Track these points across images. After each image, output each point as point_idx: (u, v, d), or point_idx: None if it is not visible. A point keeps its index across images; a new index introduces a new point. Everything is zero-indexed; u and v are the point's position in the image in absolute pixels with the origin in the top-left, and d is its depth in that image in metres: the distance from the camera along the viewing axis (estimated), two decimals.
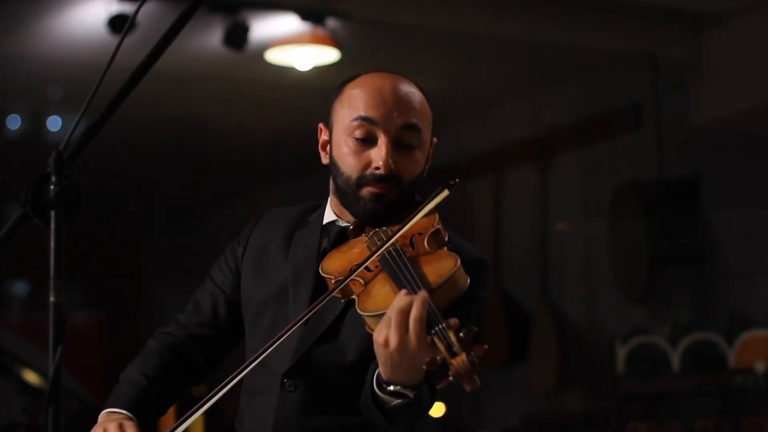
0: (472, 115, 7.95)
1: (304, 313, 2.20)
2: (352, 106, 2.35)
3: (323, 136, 2.42)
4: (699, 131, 6.66)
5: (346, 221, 2.38)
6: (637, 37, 6.53)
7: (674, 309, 6.82)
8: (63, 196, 1.84)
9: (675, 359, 5.98)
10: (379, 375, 2.09)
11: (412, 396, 2.06)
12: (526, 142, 7.75)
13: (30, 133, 7.89)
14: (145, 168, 9.24)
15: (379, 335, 2.02)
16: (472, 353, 1.90)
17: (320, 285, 2.31)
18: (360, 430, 2.27)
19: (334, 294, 2.20)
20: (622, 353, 6.07)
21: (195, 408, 2.18)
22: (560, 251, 7.53)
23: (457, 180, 2.22)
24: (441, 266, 2.15)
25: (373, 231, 2.29)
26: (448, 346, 1.92)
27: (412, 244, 2.24)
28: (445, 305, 2.06)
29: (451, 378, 1.90)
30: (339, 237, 2.36)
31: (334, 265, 2.27)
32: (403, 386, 2.05)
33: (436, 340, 1.94)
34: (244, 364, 2.18)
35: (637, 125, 7.14)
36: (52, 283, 1.81)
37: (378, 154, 2.31)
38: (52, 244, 1.83)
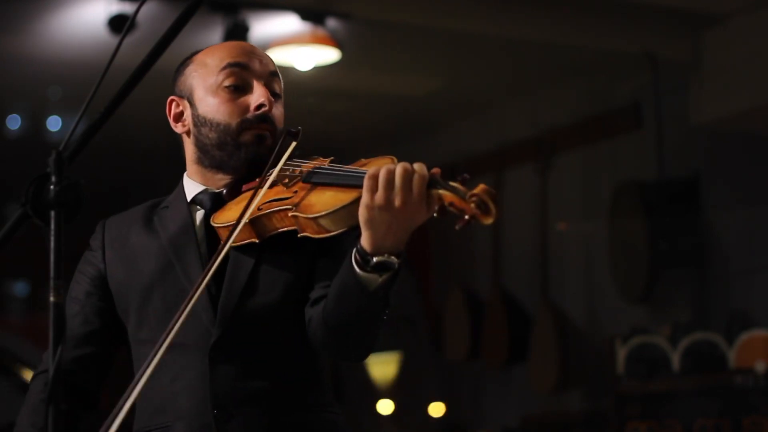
0: (472, 115, 7.95)
1: (210, 264, 2.09)
2: (216, 58, 2.30)
3: (175, 109, 2.36)
4: (699, 131, 6.66)
5: (214, 188, 2.31)
6: (637, 37, 6.53)
7: (674, 309, 6.81)
8: (63, 196, 1.84)
9: (675, 359, 5.98)
10: (357, 252, 2.05)
11: (396, 265, 2.04)
12: (526, 142, 7.74)
13: (30, 133, 7.89)
14: (146, 168, 9.23)
15: (378, 198, 2.00)
16: (479, 190, 1.94)
17: (211, 247, 2.25)
18: (300, 380, 2.23)
19: (252, 239, 2.16)
20: (622, 353, 6.06)
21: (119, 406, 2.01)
22: (560, 251, 7.53)
23: (299, 128, 2.23)
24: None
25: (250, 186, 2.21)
26: (454, 190, 1.97)
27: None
28: None
29: (467, 217, 1.93)
30: (215, 202, 2.29)
31: (229, 215, 2.21)
32: (389, 253, 2.03)
33: (440, 191, 1.99)
34: (157, 347, 2.02)
35: (637, 125, 7.14)
36: (52, 283, 1.82)
37: (257, 95, 2.28)
38: (52, 244, 1.83)
